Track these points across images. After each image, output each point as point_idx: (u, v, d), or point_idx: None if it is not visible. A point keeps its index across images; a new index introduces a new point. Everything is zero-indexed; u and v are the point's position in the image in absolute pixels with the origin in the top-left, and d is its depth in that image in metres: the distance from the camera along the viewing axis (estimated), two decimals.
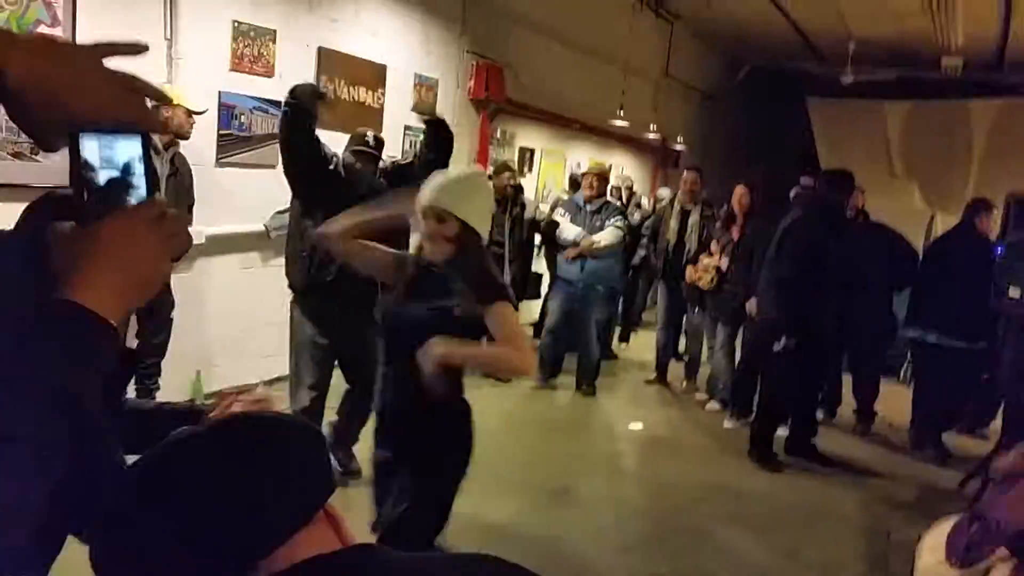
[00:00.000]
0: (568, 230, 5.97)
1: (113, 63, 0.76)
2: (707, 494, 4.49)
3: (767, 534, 4.03)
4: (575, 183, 7.99)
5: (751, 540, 3.95)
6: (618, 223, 5.98)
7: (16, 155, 3.67)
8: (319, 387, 3.85)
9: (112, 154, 0.74)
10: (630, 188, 8.41)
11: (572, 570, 3.44)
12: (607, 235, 5.90)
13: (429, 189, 2.38)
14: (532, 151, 8.70)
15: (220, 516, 0.75)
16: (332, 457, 2.77)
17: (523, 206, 6.56)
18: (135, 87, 0.72)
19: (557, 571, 3.40)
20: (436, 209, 2.35)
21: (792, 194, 6.29)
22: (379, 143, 3.96)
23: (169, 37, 4.34)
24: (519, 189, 6.63)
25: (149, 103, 0.81)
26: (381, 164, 3.98)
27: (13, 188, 3.68)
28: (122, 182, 0.76)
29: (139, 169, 0.75)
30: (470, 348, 2.33)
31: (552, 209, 6.68)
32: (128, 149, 0.74)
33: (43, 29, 3.68)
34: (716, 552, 3.79)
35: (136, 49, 0.78)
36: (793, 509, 4.40)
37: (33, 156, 3.73)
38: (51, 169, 3.81)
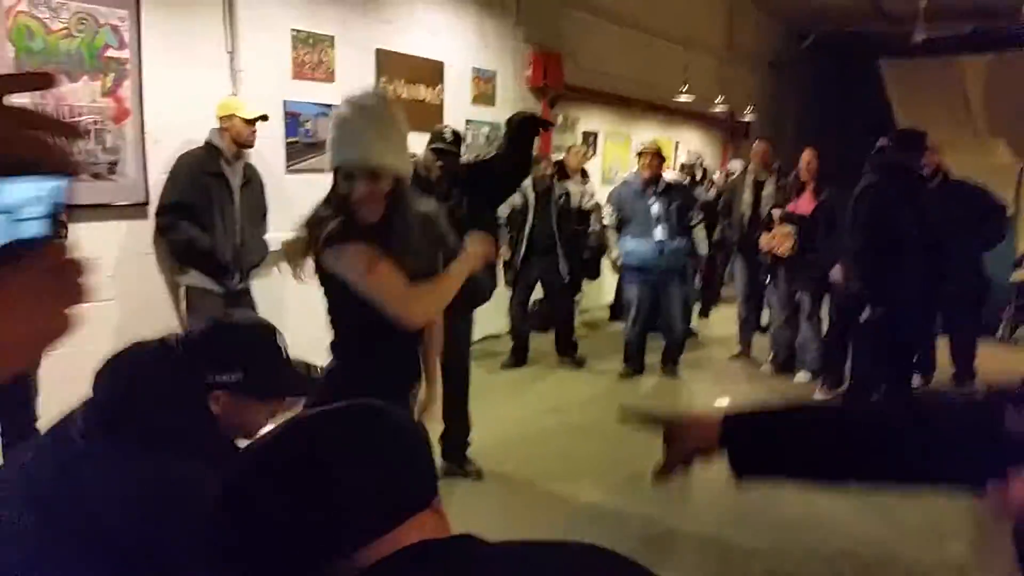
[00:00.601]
0: (613, 251, 5.94)
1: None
2: None
3: (867, 501, 3.87)
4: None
5: (848, 508, 3.81)
6: (700, 218, 5.97)
7: (95, 176, 3.82)
8: None
9: (5, 198, 0.62)
10: (702, 164, 8.23)
11: (670, 549, 3.38)
12: (701, 242, 5.99)
13: (349, 145, 2.11)
14: (595, 134, 8.61)
15: (338, 495, 0.77)
16: None
17: (567, 195, 6.24)
18: (32, 123, 0.62)
19: (654, 550, 3.35)
20: (367, 167, 2.08)
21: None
22: (457, 138, 3.98)
23: (231, 50, 4.45)
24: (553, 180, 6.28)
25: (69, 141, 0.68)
26: (463, 160, 4.01)
27: (93, 208, 3.83)
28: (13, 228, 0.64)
29: (38, 211, 0.64)
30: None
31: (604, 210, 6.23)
32: (24, 191, 0.64)
33: (111, 53, 3.82)
34: (815, 523, 3.66)
35: (44, 81, 0.68)
36: None
37: (110, 176, 3.88)
38: (126, 187, 3.97)
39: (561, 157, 7.19)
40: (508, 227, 5.93)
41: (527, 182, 5.75)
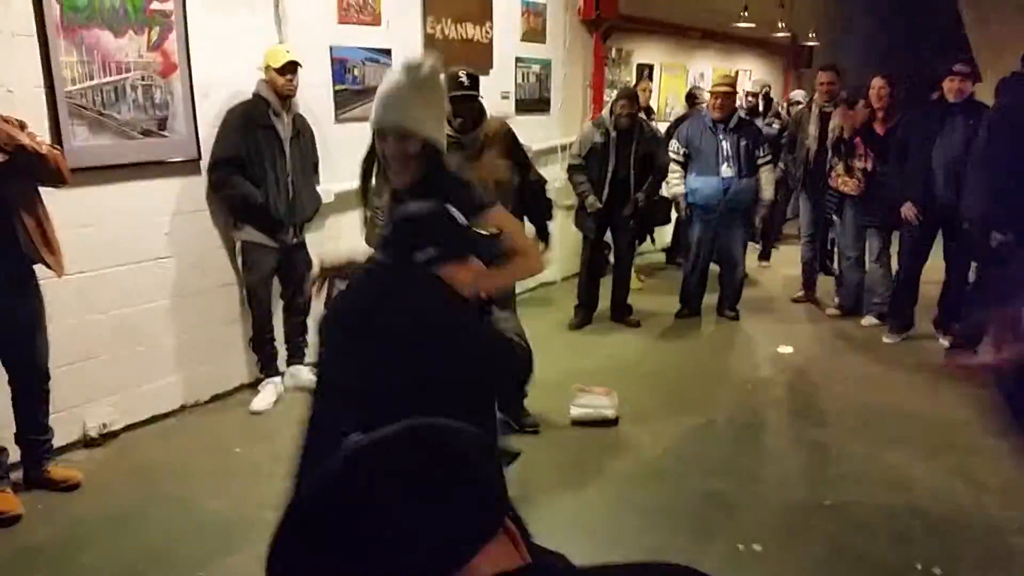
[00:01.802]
0: (677, 187, 5.66)
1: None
2: (870, 417, 4.21)
3: (938, 457, 3.75)
4: (692, 98, 7.56)
5: (922, 464, 3.68)
6: (767, 157, 5.67)
7: (145, 132, 3.78)
8: None
9: None
10: (767, 95, 7.85)
11: (733, 504, 3.32)
12: (768, 186, 5.67)
13: (386, 107, 2.12)
14: (650, 67, 8.28)
15: (418, 524, 0.72)
16: None
17: (651, 138, 5.70)
18: None
19: (717, 504, 3.29)
20: (399, 129, 2.10)
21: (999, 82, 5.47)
22: (473, 80, 3.83)
23: None
24: (638, 118, 5.64)
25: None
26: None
27: (145, 166, 3.81)
28: None
29: None
30: (497, 274, 2.11)
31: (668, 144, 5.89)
32: None
33: (156, 5, 3.74)
34: (884, 479, 3.55)
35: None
36: (964, 428, 4.05)
37: (160, 132, 3.84)
38: (177, 144, 3.93)
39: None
40: (585, 168, 5.46)
41: (607, 118, 5.44)
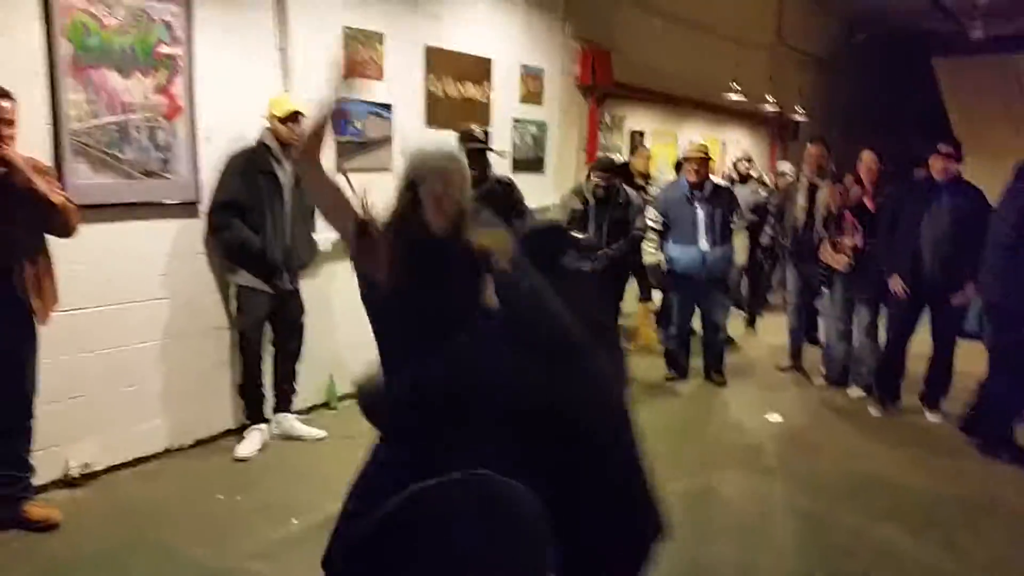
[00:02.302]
0: (652, 256, 5.76)
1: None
2: (858, 489, 4.19)
3: (927, 531, 3.73)
4: (680, 167, 7.69)
5: (910, 538, 3.66)
6: (739, 221, 5.82)
7: (147, 173, 3.79)
8: None
9: None
10: (750, 161, 7.99)
11: (723, 573, 3.27)
12: (741, 251, 5.84)
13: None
14: (642, 133, 8.46)
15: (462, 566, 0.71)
16: None
17: (626, 205, 5.72)
18: None
19: (706, 572, 3.24)
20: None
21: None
22: (487, 135, 3.94)
23: (282, 47, 4.40)
24: (614, 187, 5.65)
25: None
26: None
27: (145, 206, 3.82)
28: None
29: None
30: None
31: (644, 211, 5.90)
32: None
33: (164, 49, 3.80)
34: (873, 552, 3.52)
35: None
36: (954, 503, 4.05)
37: (162, 174, 3.86)
38: (178, 186, 3.95)
39: (627, 160, 7.06)
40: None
41: (585, 186, 5.62)
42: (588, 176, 5.55)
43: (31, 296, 3.05)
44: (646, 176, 6.87)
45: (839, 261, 5.61)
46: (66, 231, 3.13)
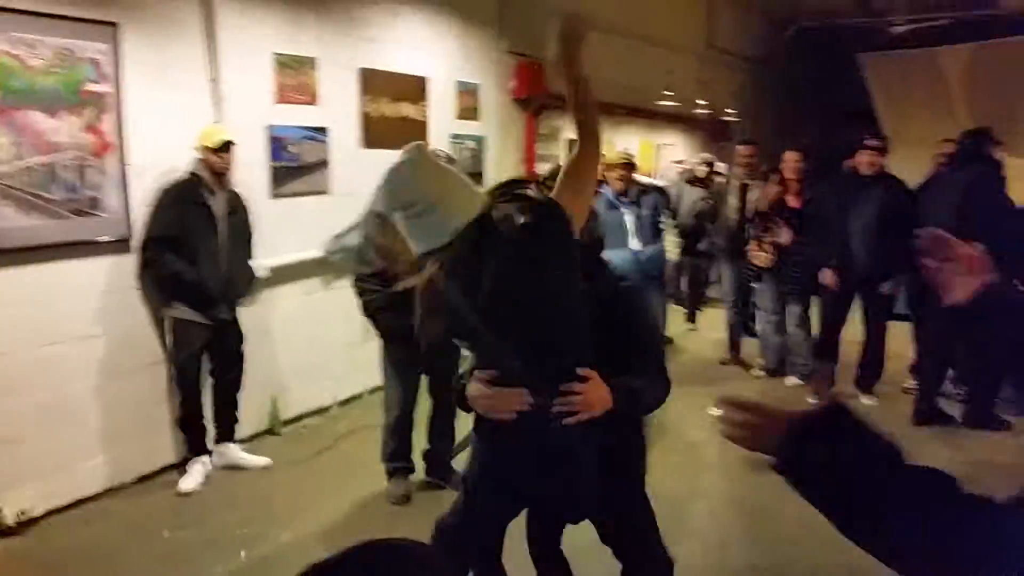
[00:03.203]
0: None
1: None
2: None
3: None
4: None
5: None
6: (668, 222, 5.94)
7: (76, 212, 3.76)
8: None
9: None
10: (711, 165, 8.06)
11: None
12: (673, 248, 5.86)
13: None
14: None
15: None
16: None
17: None
18: None
19: None
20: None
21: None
22: (450, 159, 3.98)
23: (213, 78, 4.39)
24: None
25: None
26: None
27: (75, 246, 3.78)
28: None
29: None
30: None
31: None
32: None
33: (92, 87, 3.76)
34: (820, 538, 3.63)
35: None
36: None
37: (91, 212, 3.82)
38: (109, 223, 3.91)
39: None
40: None
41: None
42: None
43: None
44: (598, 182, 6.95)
45: (762, 259, 5.80)
46: None
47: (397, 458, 4.06)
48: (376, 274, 3.70)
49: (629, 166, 5.84)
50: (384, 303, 3.70)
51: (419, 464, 4.17)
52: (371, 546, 0.83)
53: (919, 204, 5.17)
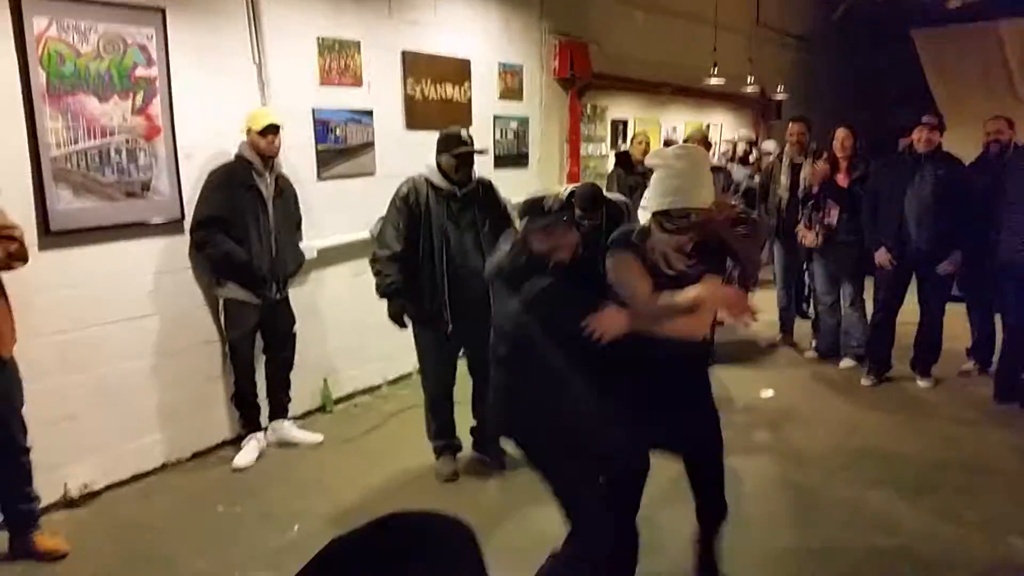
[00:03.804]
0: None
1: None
2: (852, 459, 4.25)
3: (922, 497, 3.78)
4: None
5: (905, 505, 3.71)
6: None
7: (129, 194, 3.84)
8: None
9: None
10: (752, 143, 7.93)
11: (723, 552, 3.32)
12: None
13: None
14: (624, 122, 8.50)
15: None
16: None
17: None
18: None
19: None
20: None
21: None
22: (471, 139, 3.94)
23: (257, 61, 4.44)
24: None
25: None
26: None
27: (129, 227, 3.87)
28: None
29: None
30: None
31: None
32: None
33: (140, 72, 3.83)
34: (869, 521, 3.57)
35: None
36: (947, 468, 4.11)
37: (143, 195, 3.90)
38: (161, 205, 3.99)
39: (625, 148, 7.09)
40: None
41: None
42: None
43: None
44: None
45: (810, 239, 5.68)
46: (21, 264, 3.05)
47: (441, 436, 4.09)
48: (393, 257, 3.77)
49: (703, 143, 5.79)
50: (399, 286, 3.78)
51: (468, 440, 4.19)
52: (393, 519, 0.81)
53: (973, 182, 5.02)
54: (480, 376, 3.98)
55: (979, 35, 10.40)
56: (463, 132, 3.90)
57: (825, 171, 5.67)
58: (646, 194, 2.60)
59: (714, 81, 8.49)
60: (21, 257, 3.04)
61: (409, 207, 3.79)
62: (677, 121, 9.31)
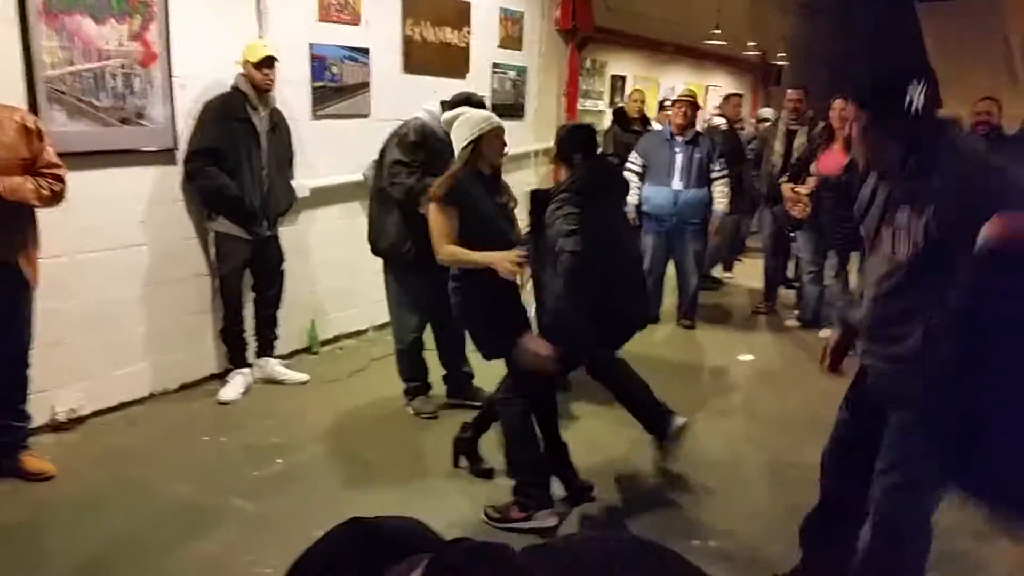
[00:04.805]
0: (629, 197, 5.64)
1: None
2: (824, 425, 4.31)
3: None
4: (663, 109, 7.69)
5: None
6: (722, 172, 5.81)
7: (123, 120, 3.80)
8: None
9: None
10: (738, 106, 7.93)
11: (692, 503, 3.42)
12: (721, 199, 5.80)
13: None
14: (623, 79, 8.44)
15: None
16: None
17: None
18: None
19: (668, 505, 3.39)
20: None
21: None
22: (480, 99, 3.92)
23: None
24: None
25: None
26: None
27: (122, 154, 3.83)
28: None
29: None
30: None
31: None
32: None
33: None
34: None
35: None
36: None
37: (138, 121, 3.86)
38: (155, 133, 3.95)
39: (621, 104, 7.07)
40: None
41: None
42: None
43: (23, 265, 3.11)
44: (643, 120, 6.83)
45: (799, 209, 5.69)
46: (58, 203, 3.18)
47: (416, 379, 4.22)
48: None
49: (693, 104, 5.76)
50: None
51: (440, 388, 4.32)
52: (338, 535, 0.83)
53: None
54: (442, 320, 4.07)
55: (983, 11, 10.35)
56: (473, 94, 3.89)
57: (839, 158, 5.65)
58: None
59: (715, 42, 8.43)
60: (62, 196, 3.16)
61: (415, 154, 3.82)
62: (676, 81, 9.25)
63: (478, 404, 4.12)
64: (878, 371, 2.41)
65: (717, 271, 7.57)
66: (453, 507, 3.25)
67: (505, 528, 3.08)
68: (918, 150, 2.10)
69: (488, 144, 3.11)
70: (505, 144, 3.22)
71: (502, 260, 2.93)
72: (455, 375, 4.29)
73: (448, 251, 3.03)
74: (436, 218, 3.03)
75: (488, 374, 3.78)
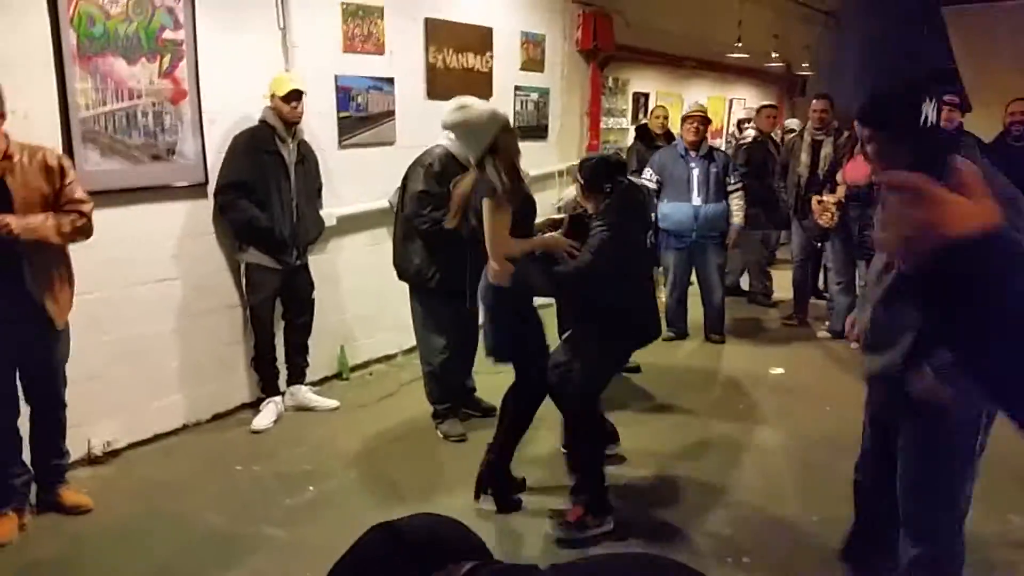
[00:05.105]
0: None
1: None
2: (857, 438, 4.26)
3: None
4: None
5: None
6: (738, 185, 5.83)
7: (155, 157, 3.89)
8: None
9: None
10: (747, 121, 7.96)
11: (725, 517, 3.39)
12: (738, 212, 5.81)
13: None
14: (646, 96, 8.45)
15: None
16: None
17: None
18: None
19: (708, 518, 3.36)
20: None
21: None
22: None
23: (283, 27, 4.45)
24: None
25: None
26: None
27: (154, 190, 3.92)
28: None
29: None
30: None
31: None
32: None
33: (167, 35, 3.86)
34: None
35: None
36: None
37: (169, 158, 3.95)
38: (186, 168, 4.04)
39: (644, 122, 7.09)
40: None
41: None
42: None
43: (44, 296, 3.09)
44: (667, 135, 6.83)
45: (826, 219, 5.64)
46: (84, 238, 3.19)
47: (444, 400, 4.27)
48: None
49: (704, 119, 5.77)
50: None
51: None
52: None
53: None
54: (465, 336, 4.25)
55: (1011, 15, 10.22)
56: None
57: (864, 167, 5.59)
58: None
59: (737, 55, 8.41)
60: (86, 231, 3.16)
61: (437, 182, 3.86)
62: (699, 95, 9.23)
63: (478, 414, 4.38)
64: (875, 380, 2.41)
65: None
66: (484, 530, 3.25)
67: (583, 538, 3.16)
68: (926, 168, 2.08)
69: (504, 144, 3.21)
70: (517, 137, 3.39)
71: (558, 242, 3.27)
72: (462, 388, 4.46)
73: (512, 244, 3.18)
74: (495, 217, 3.12)
75: (489, 385, 3.77)
